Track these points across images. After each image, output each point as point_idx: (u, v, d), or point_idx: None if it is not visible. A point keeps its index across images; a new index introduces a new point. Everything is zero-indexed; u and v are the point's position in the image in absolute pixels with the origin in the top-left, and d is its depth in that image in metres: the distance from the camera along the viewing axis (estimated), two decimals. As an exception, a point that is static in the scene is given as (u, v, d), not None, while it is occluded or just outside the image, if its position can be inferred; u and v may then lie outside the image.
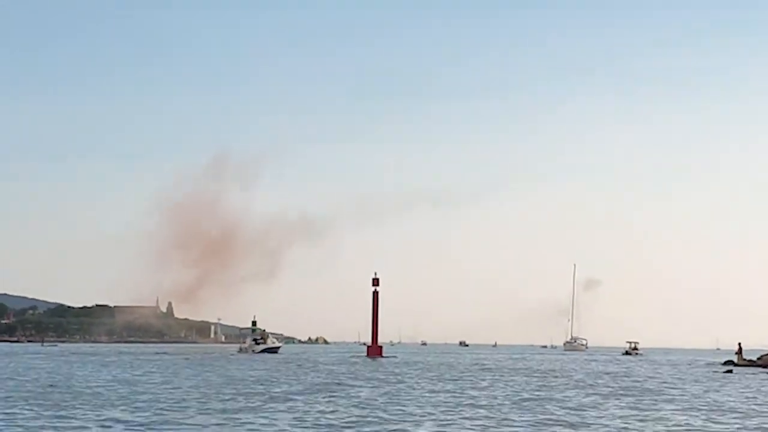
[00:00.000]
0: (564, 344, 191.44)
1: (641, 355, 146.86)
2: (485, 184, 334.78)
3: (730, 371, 71.73)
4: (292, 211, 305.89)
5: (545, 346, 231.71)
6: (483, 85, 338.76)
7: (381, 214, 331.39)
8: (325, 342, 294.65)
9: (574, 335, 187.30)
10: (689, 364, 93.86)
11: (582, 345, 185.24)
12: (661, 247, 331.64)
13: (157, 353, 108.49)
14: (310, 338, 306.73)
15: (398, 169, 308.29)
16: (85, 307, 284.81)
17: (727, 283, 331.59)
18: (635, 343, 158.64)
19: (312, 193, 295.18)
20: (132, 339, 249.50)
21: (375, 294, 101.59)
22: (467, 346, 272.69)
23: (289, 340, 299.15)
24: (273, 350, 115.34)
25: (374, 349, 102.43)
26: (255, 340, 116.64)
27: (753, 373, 68.52)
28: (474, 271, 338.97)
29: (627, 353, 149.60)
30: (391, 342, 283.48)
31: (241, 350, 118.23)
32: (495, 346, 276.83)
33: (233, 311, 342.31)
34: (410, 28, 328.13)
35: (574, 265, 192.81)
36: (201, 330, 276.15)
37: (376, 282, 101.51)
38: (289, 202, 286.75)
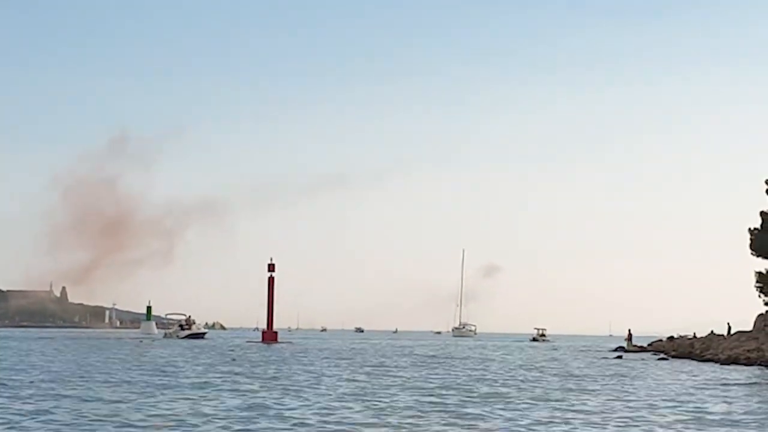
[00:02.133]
0: (452, 330, 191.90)
1: (549, 341, 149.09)
2: (384, 168, 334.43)
3: (620, 357, 72.94)
4: (190, 194, 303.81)
5: (439, 332, 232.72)
6: (385, 68, 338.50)
7: (280, 198, 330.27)
8: (222, 328, 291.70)
9: (462, 321, 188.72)
10: (580, 350, 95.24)
11: (471, 331, 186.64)
12: (561, 234, 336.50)
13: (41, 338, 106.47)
14: (207, 323, 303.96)
15: (298, 152, 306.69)
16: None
17: (621, 270, 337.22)
18: (543, 329, 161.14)
19: (211, 176, 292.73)
20: (25, 324, 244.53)
21: (270, 279, 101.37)
22: (362, 332, 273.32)
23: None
24: (199, 336, 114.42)
25: (270, 335, 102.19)
26: (180, 325, 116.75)
27: (641, 358, 69.86)
28: (372, 257, 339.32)
29: (535, 339, 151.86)
30: (289, 328, 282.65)
31: (166, 335, 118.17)
32: (396, 332, 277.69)
33: (128, 296, 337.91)
34: (307, 10, 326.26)
35: (463, 250, 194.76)
36: (95, 315, 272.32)
37: (271, 267, 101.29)
38: (187, 185, 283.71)
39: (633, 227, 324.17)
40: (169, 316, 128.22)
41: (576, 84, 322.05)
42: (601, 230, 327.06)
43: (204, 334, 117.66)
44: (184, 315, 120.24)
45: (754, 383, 38.23)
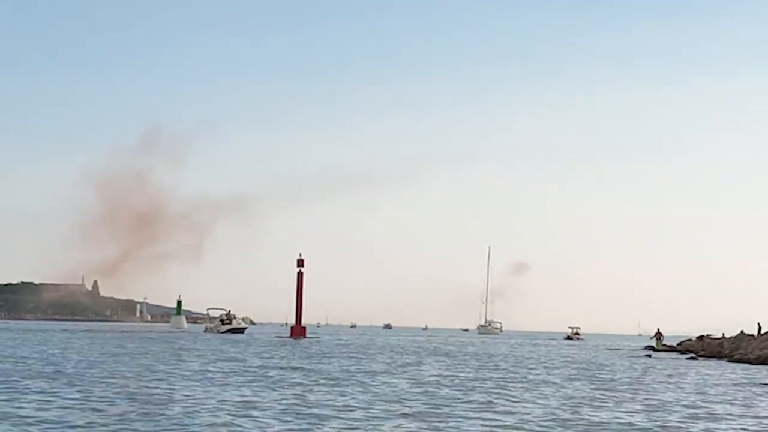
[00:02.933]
0: (478, 327, 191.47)
1: (582, 339, 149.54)
2: (413, 165, 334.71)
3: (648, 356, 72.64)
4: (220, 189, 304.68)
5: (466, 330, 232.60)
6: (414, 67, 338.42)
7: (309, 194, 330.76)
8: (252, 323, 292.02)
9: (488, 319, 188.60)
10: (607, 349, 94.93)
11: (496, 328, 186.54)
12: (590, 232, 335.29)
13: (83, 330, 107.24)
14: (209, 318, 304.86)
15: (327, 149, 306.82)
16: (9, 284, 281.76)
17: (650, 269, 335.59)
18: (577, 328, 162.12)
19: (241, 171, 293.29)
20: (56, 317, 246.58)
21: (300, 275, 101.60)
22: (390, 328, 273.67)
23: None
24: (239, 330, 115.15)
25: (298, 330, 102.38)
26: (221, 320, 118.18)
27: (670, 358, 69.53)
28: (401, 254, 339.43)
29: (569, 338, 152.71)
30: (318, 324, 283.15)
31: (207, 330, 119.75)
32: (426, 329, 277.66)
33: (159, 291, 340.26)
34: (335, 10, 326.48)
35: (489, 248, 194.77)
36: (126, 309, 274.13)
37: (300, 263, 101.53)
38: (217, 180, 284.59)
39: (663, 226, 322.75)
40: (210, 311, 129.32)
41: (607, 82, 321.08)
42: (630, 229, 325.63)
43: (245, 329, 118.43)
44: (225, 310, 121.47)
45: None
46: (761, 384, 36.24)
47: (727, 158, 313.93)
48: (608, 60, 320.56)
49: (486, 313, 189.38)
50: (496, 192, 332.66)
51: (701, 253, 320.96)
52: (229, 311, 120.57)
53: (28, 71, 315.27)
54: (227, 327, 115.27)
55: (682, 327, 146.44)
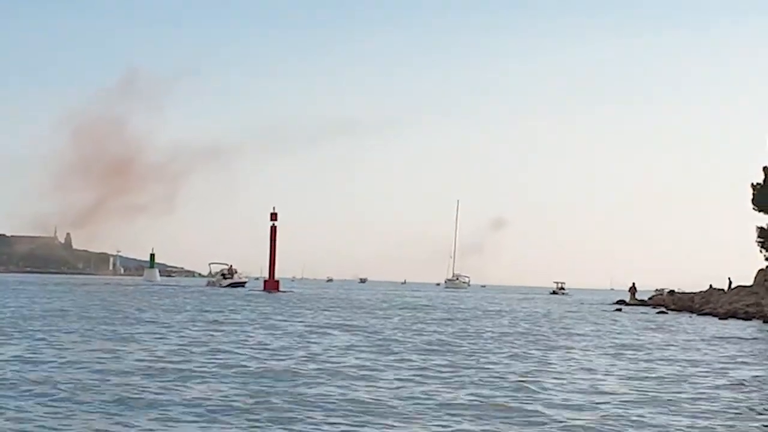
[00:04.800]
0: (445, 281, 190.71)
1: (567, 294, 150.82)
2: (392, 117, 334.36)
3: (619, 309, 73.15)
4: (196, 139, 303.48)
5: (438, 284, 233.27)
6: (394, 17, 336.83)
7: (287, 145, 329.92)
8: (213, 276, 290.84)
9: (456, 273, 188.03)
10: (580, 303, 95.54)
11: (464, 283, 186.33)
12: (568, 187, 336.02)
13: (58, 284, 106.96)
14: (211, 272, 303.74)
15: (306, 99, 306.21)
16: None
17: (626, 224, 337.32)
18: (562, 283, 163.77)
19: (218, 120, 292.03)
20: (29, 269, 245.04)
21: (273, 228, 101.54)
22: (365, 282, 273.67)
23: (190, 273, 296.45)
24: (240, 284, 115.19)
25: (271, 284, 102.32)
26: (223, 274, 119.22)
27: (641, 312, 70.04)
28: (379, 207, 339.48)
29: (554, 292, 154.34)
30: (293, 278, 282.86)
31: (209, 284, 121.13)
32: (404, 283, 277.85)
33: (133, 244, 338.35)
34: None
35: (458, 201, 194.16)
36: (100, 261, 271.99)
37: (274, 216, 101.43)
38: (194, 130, 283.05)
39: (639, 181, 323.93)
40: (212, 266, 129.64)
41: (583, 34, 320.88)
42: (607, 184, 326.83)
43: (245, 282, 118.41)
44: (226, 264, 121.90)
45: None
46: (661, 328, 36.48)
47: (703, 113, 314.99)
48: (581, 11, 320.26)
49: (454, 268, 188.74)
50: (475, 146, 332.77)
51: (677, 208, 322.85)
52: (231, 266, 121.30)
53: (3, 16, 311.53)
54: (229, 281, 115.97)
55: (658, 282, 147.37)
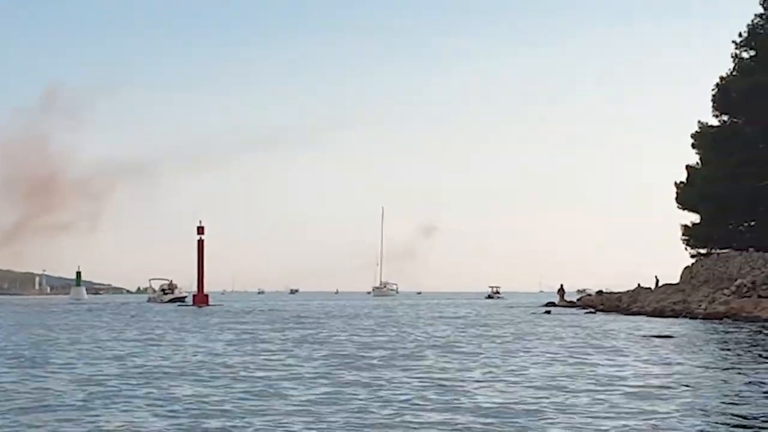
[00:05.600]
0: (373, 289, 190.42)
1: (502, 298, 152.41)
2: (318, 127, 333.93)
3: (548, 312, 73.46)
4: (119, 154, 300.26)
5: (369, 293, 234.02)
6: (316, 27, 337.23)
7: (211, 158, 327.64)
8: (152, 291, 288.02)
9: (383, 281, 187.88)
10: (508, 306, 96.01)
11: (392, 290, 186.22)
12: (497, 192, 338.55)
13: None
14: (139, 288, 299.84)
15: (230, 113, 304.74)
16: None
17: (554, 226, 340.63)
18: (497, 287, 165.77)
19: (140, 135, 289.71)
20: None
21: (200, 242, 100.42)
22: (296, 293, 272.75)
23: (119, 290, 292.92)
24: (180, 299, 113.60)
25: (200, 298, 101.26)
26: (163, 290, 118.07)
27: (570, 313, 70.47)
28: (309, 218, 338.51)
29: (490, 297, 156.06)
30: (223, 291, 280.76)
31: (150, 300, 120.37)
32: (337, 293, 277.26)
33: (58, 262, 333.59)
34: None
35: (382, 208, 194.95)
36: (25, 281, 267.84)
37: (201, 230, 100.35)
38: (116, 145, 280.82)
39: (565, 183, 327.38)
40: (152, 281, 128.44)
41: (512, 38, 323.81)
42: (535, 187, 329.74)
43: (185, 297, 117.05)
44: (166, 280, 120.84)
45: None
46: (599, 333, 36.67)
47: (623, 111, 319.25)
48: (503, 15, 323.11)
49: (381, 275, 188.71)
50: (401, 153, 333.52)
51: (604, 209, 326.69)
52: (171, 281, 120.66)
53: None
54: (169, 296, 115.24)
55: (585, 283, 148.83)
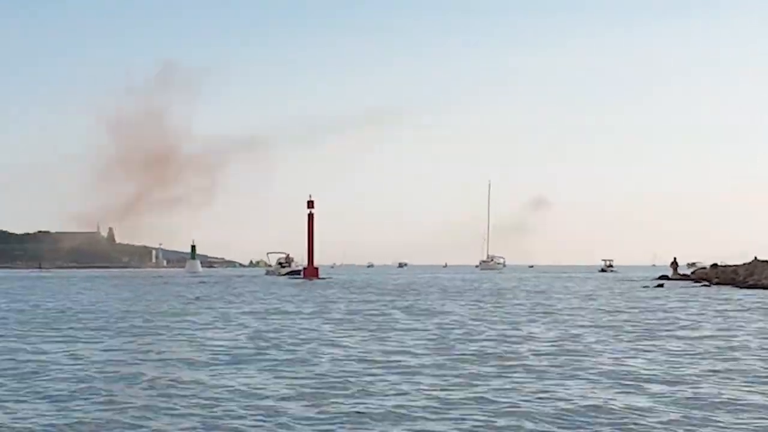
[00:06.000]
0: (480, 263, 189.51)
1: (616, 271, 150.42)
2: (431, 102, 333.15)
3: (661, 285, 72.07)
4: (232, 130, 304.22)
5: (477, 266, 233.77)
6: (418, 9, 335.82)
7: (323, 134, 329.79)
8: (267, 265, 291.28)
9: (490, 254, 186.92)
10: (619, 280, 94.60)
11: (498, 264, 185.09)
12: (609, 164, 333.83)
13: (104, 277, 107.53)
14: (251, 261, 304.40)
15: (344, 87, 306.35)
16: (27, 234, 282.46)
17: (670, 200, 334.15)
18: (610, 260, 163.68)
19: (254, 112, 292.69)
20: (74, 265, 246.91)
21: (310, 216, 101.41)
22: (404, 266, 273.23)
23: (231, 264, 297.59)
24: (297, 272, 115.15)
25: (310, 271, 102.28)
26: (280, 263, 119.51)
27: (683, 286, 69.03)
28: (418, 191, 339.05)
29: (603, 270, 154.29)
30: (333, 264, 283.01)
31: (268, 273, 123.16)
32: (446, 266, 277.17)
33: (173, 236, 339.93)
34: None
35: (489, 181, 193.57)
36: (142, 255, 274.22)
37: (311, 204, 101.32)
38: (230, 121, 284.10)
39: (678, 153, 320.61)
40: (269, 255, 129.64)
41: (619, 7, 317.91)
42: (648, 158, 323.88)
43: (300, 270, 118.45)
44: (284, 253, 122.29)
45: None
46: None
47: (744, 80, 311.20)
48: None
49: (488, 249, 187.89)
50: (512, 127, 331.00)
51: (721, 180, 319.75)
52: (288, 255, 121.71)
53: (37, 15, 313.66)
54: (287, 270, 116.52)
55: (700, 256, 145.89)
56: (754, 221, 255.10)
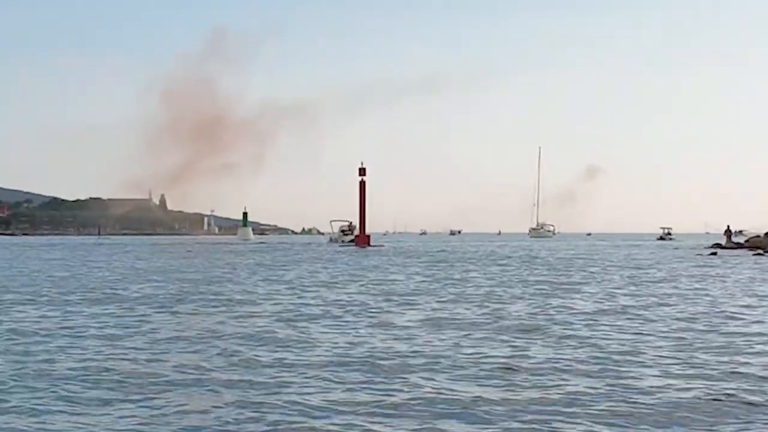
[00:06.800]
0: (530, 231, 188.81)
1: (674, 240, 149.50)
2: (482, 71, 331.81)
3: (714, 254, 71.79)
4: (283, 97, 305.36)
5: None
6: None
7: (373, 101, 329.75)
8: (319, 233, 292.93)
9: (540, 222, 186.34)
10: (675, 248, 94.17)
11: (549, 231, 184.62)
12: (659, 136, 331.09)
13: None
14: (304, 229, 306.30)
15: (393, 55, 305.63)
16: (78, 200, 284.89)
17: (724, 168, 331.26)
18: (669, 228, 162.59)
19: (305, 78, 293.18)
20: (125, 231, 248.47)
21: (362, 184, 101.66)
22: (456, 234, 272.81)
23: (284, 231, 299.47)
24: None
25: (362, 239, 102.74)
26: (342, 231, 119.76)
27: (737, 255, 68.63)
28: (470, 160, 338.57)
29: (661, 238, 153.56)
30: (385, 232, 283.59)
31: (331, 240, 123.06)
32: (499, 234, 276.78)
33: (224, 203, 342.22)
34: None
35: (539, 148, 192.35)
36: (194, 222, 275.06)
37: (362, 172, 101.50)
38: (281, 87, 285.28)
39: (732, 120, 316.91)
40: (332, 222, 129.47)
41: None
42: (702, 129, 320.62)
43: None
44: (347, 221, 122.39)
45: None
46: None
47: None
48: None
49: (538, 217, 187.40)
50: (563, 96, 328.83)
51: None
52: (350, 222, 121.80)
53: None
54: (349, 237, 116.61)
55: (759, 224, 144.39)
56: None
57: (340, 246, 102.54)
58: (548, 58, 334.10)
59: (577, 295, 27.38)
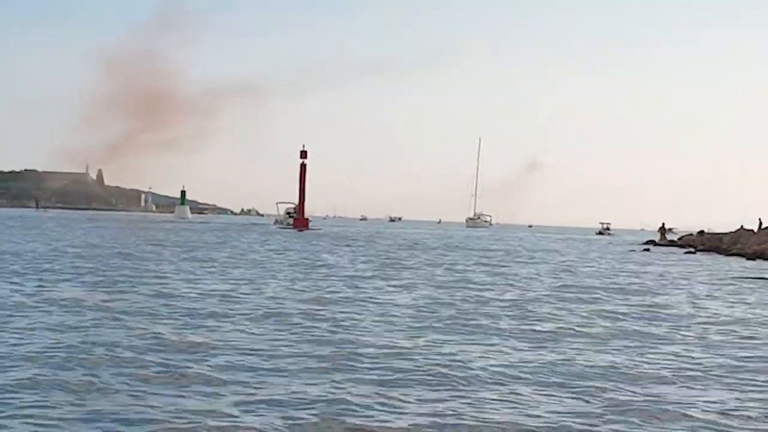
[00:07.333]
0: (466, 220, 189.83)
1: (612, 235, 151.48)
2: (425, 57, 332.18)
3: (647, 250, 73.08)
4: (229, 75, 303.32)
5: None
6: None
7: (317, 83, 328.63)
8: (258, 214, 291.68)
9: (477, 212, 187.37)
10: (609, 243, 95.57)
11: (485, 222, 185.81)
12: (604, 130, 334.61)
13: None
14: (243, 209, 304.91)
15: (338, 39, 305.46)
16: (12, 172, 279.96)
17: (659, 166, 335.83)
18: (607, 224, 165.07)
19: (251, 57, 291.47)
20: (60, 205, 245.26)
21: (302, 166, 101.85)
22: (395, 221, 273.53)
23: (223, 211, 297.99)
24: None
25: (300, 222, 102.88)
26: (288, 213, 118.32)
27: (666, 252, 69.92)
28: (412, 147, 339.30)
29: (600, 233, 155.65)
30: (325, 216, 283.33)
31: (276, 222, 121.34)
32: (440, 222, 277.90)
33: (163, 180, 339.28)
34: None
35: (479, 138, 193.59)
36: (131, 198, 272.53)
37: (304, 154, 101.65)
38: (227, 65, 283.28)
39: (674, 124, 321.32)
40: (278, 204, 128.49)
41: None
42: (642, 127, 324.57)
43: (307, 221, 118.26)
44: (292, 204, 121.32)
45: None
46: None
47: (729, 58, 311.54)
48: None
49: (475, 207, 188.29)
50: (506, 88, 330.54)
51: (716, 148, 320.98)
52: (296, 205, 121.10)
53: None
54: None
55: (693, 223, 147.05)
56: (749, 192, 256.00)
57: (279, 228, 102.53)
58: (495, 48, 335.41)
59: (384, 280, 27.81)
